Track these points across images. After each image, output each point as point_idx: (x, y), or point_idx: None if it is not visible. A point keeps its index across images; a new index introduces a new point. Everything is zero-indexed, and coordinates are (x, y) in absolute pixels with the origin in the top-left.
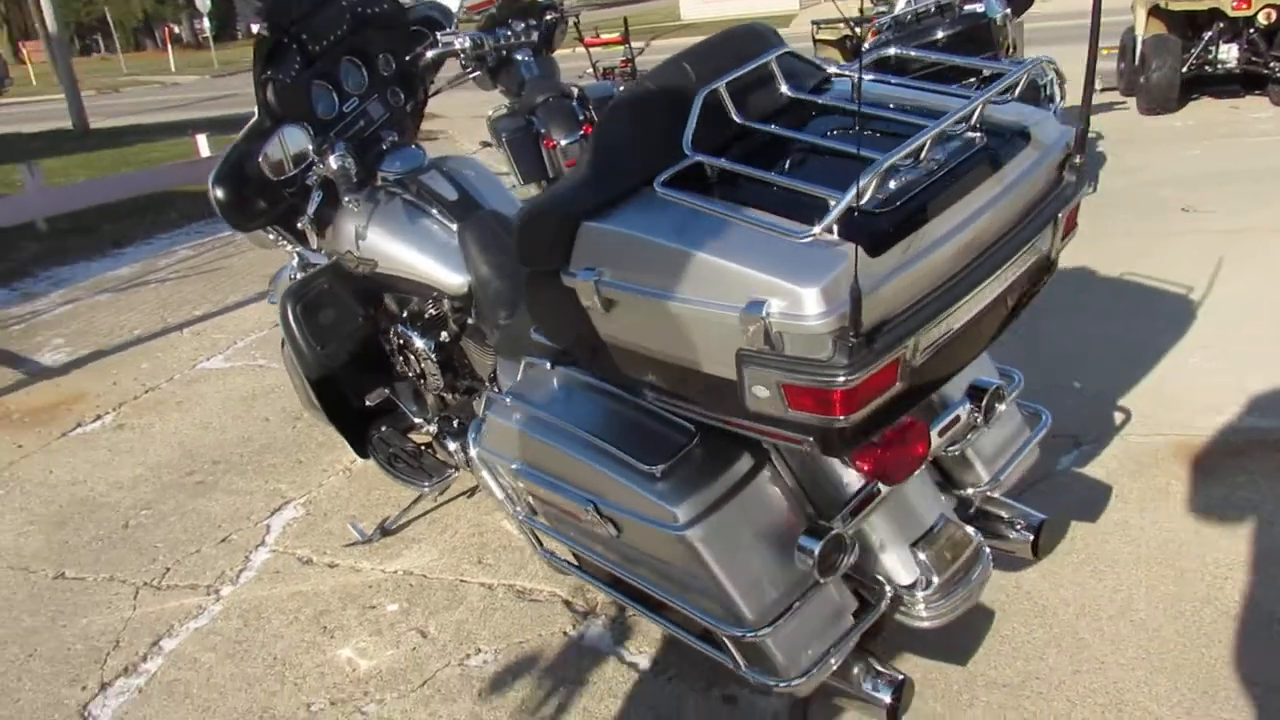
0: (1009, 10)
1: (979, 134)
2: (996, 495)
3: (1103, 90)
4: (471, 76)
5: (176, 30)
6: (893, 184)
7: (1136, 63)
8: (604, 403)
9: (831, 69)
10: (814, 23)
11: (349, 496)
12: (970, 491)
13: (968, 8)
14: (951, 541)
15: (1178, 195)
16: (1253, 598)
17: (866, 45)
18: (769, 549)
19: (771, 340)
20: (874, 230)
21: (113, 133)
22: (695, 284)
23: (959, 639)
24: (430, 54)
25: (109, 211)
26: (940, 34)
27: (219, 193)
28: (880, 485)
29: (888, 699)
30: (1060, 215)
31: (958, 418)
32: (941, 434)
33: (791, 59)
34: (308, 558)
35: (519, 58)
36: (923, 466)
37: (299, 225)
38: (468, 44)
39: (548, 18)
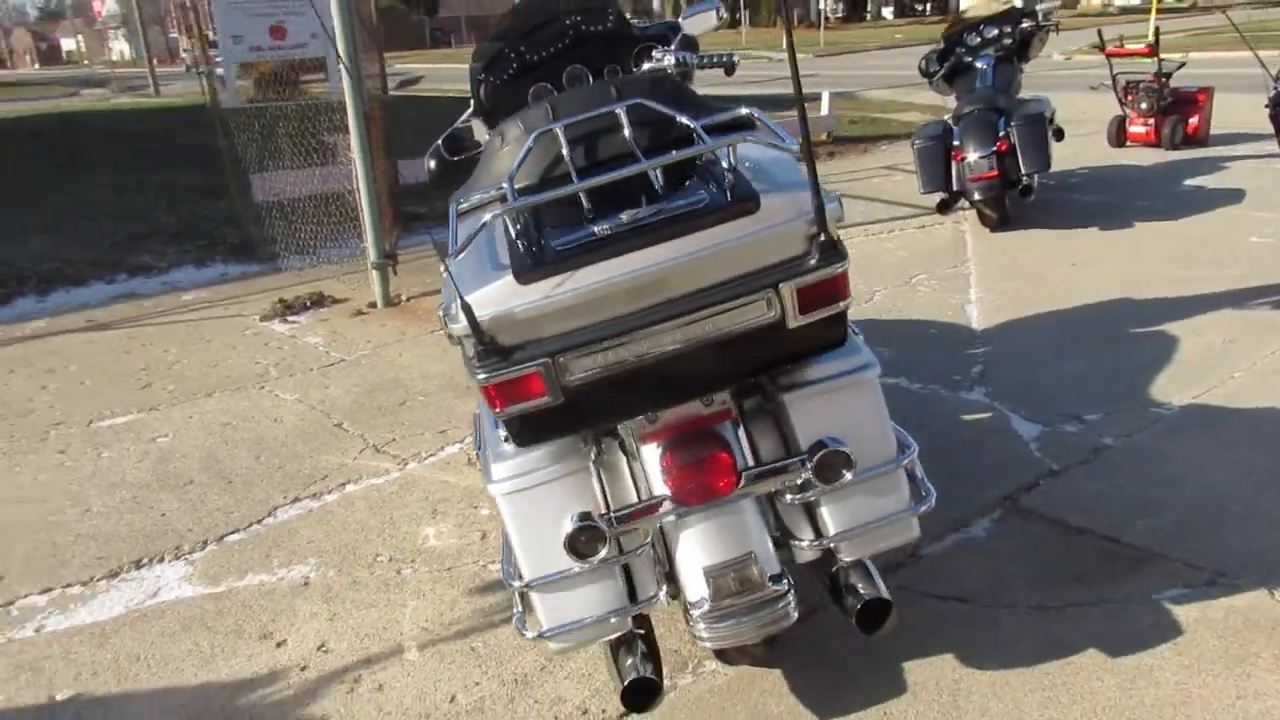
0: None
1: (699, 193)
2: (861, 559)
3: None
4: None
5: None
6: (597, 228)
7: None
8: None
9: (683, 119)
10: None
11: None
12: (805, 543)
13: None
14: (743, 578)
15: None
16: None
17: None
18: (561, 523)
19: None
20: (528, 262)
21: None
22: (458, 281)
23: (840, 696)
24: (645, 66)
25: None
26: None
27: (430, 163)
28: (670, 501)
29: (623, 683)
30: (783, 287)
31: (784, 468)
32: (759, 479)
33: (646, 109)
34: (474, 460)
35: (979, 65)
36: (740, 500)
37: None
38: (671, 62)
39: (1024, 25)
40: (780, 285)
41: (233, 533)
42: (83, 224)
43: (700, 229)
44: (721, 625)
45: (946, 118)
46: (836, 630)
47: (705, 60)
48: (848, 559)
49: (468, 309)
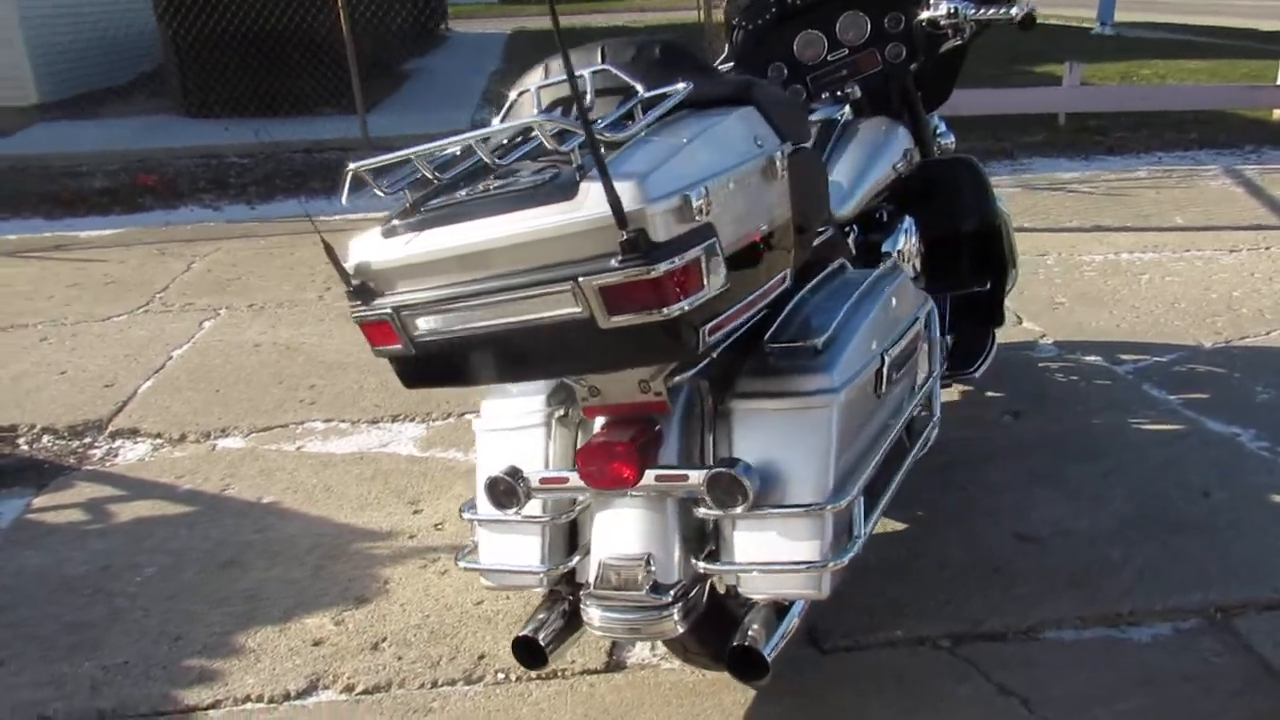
0: None
1: (539, 173)
2: (780, 603)
3: None
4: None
5: None
6: (463, 193)
7: None
8: None
9: (640, 88)
10: None
11: None
12: (706, 564)
13: None
14: (630, 577)
15: None
16: None
17: None
18: None
19: None
20: (392, 219)
21: None
22: None
23: None
24: (924, 15)
25: (1137, 118)
26: None
27: None
28: (575, 476)
29: (516, 635)
30: (584, 282)
31: (683, 476)
32: (660, 480)
33: (612, 75)
34: None
35: None
36: (658, 499)
37: None
38: (942, 10)
39: None
40: (580, 280)
41: (474, 413)
42: None
43: (517, 210)
44: (596, 612)
45: None
46: (855, 672)
47: (987, 11)
48: (745, 595)
49: (330, 251)
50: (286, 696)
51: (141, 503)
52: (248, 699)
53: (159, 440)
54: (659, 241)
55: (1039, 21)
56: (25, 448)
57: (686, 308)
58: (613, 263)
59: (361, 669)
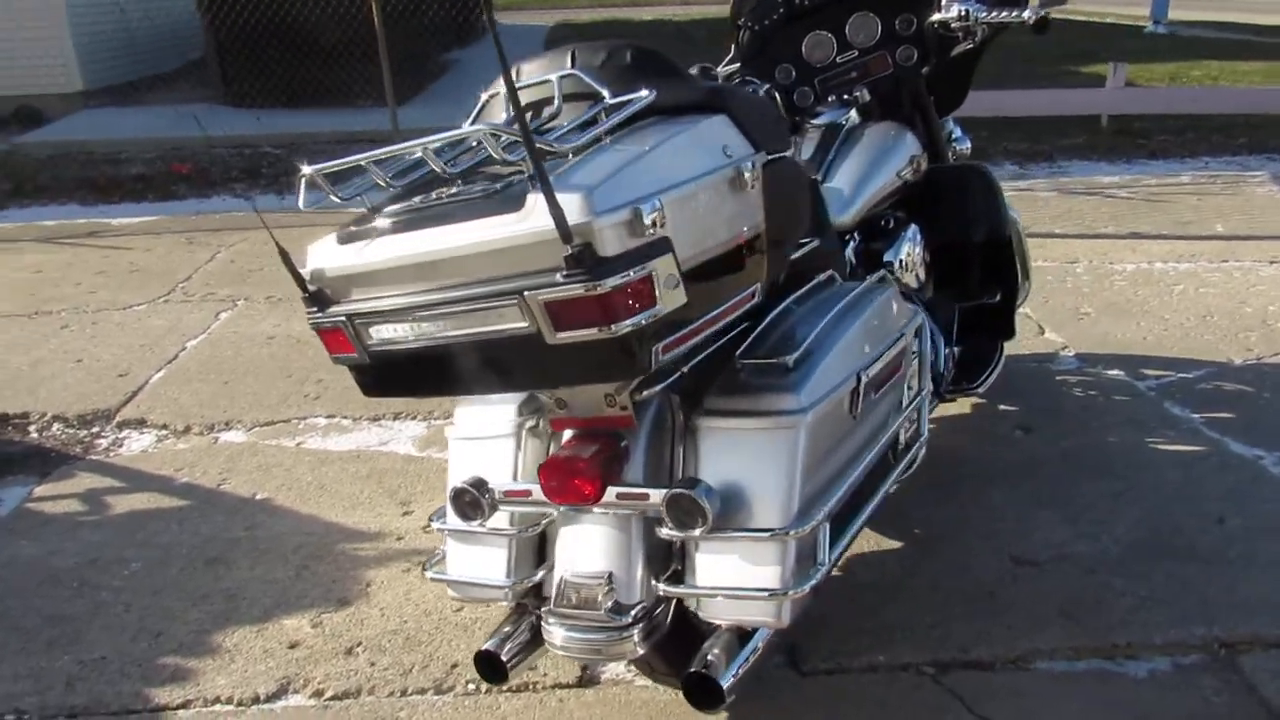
0: None
1: (492, 183)
2: (743, 630)
3: None
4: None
5: None
6: (418, 199)
7: None
8: None
9: (606, 94)
10: None
11: None
12: (667, 586)
13: None
14: (588, 597)
15: None
16: None
17: None
18: None
19: None
20: (347, 226)
21: None
22: None
23: None
24: (935, 17)
25: (1184, 121)
26: None
27: None
28: (538, 490)
29: (478, 649)
30: (529, 297)
31: (644, 495)
32: (621, 498)
33: (580, 80)
34: None
35: None
36: (622, 516)
37: None
38: (953, 13)
39: None
40: (526, 294)
41: None
42: None
43: (469, 220)
44: (555, 630)
45: None
46: (834, 697)
47: (999, 14)
48: (705, 619)
49: (285, 257)
50: (255, 700)
51: (138, 495)
52: (217, 700)
53: (164, 432)
54: (607, 256)
55: (1086, 21)
56: (35, 435)
57: (640, 323)
58: (558, 277)
59: (333, 674)
